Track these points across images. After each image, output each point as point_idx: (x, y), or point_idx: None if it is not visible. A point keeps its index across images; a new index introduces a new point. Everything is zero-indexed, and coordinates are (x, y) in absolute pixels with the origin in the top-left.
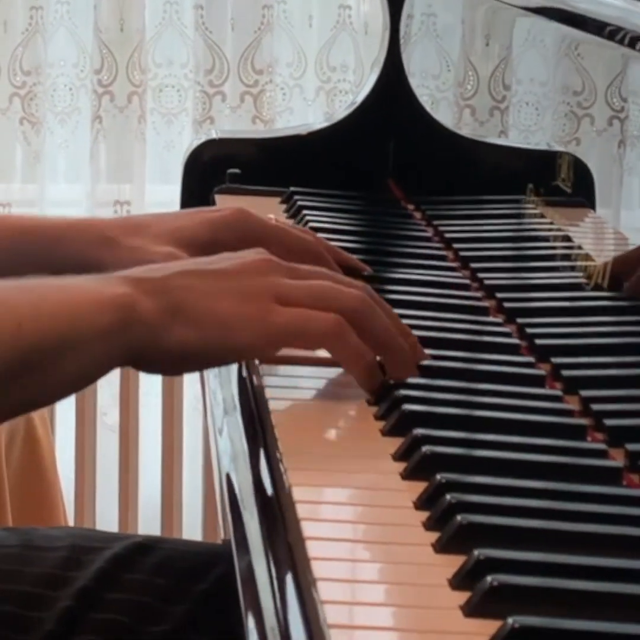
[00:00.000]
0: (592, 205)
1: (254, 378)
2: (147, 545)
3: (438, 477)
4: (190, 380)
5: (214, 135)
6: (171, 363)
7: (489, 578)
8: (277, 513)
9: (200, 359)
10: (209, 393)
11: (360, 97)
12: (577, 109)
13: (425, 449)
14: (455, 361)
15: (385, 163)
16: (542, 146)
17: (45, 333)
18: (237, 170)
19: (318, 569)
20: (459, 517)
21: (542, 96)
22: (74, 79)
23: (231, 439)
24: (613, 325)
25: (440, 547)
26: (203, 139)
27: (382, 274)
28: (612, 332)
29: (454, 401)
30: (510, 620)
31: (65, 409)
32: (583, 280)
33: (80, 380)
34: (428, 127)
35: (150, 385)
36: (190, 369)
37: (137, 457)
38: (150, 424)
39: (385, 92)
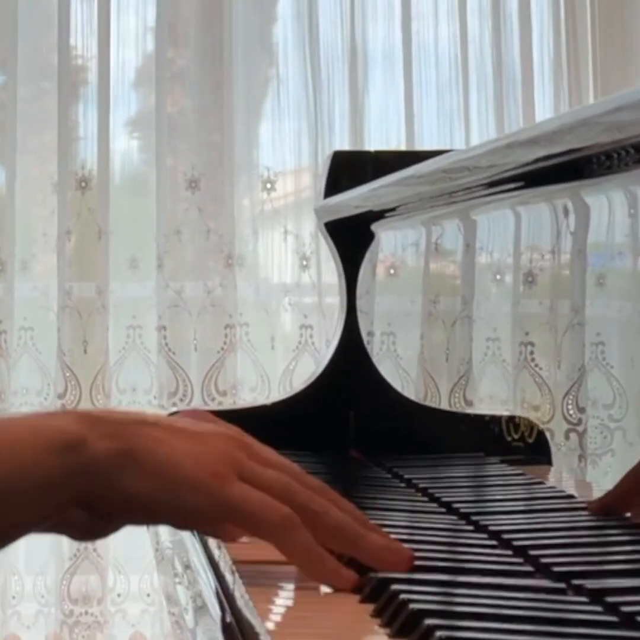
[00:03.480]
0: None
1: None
2: None
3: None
4: None
5: None
6: (120, 512)
7: None
8: None
9: (147, 513)
10: None
11: (320, 369)
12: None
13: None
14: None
15: (346, 431)
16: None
17: None
18: None
19: None
20: None
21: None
22: (38, 407)
23: None
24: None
25: None
26: None
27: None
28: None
29: None
30: None
31: None
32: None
33: (24, 526)
34: (387, 396)
35: None
36: (138, 521)
37: None
38: None
39: (344, 361)
